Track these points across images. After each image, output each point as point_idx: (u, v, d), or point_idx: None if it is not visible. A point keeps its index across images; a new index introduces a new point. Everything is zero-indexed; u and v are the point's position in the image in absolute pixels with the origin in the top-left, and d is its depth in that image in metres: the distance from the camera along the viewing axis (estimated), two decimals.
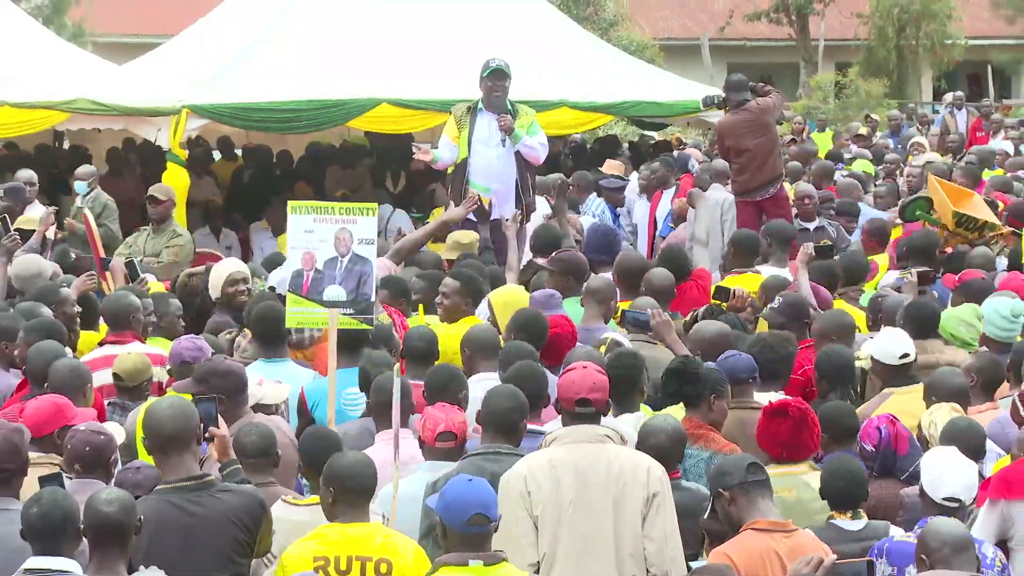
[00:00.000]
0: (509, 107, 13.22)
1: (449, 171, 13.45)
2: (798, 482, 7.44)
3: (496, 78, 13.16)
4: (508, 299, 9.90)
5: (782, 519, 6.75)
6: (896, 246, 12.41)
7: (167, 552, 6.30)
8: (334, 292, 8.03)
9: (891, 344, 8.95)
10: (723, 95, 14.52)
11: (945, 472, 6.93)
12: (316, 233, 8.07)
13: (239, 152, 21.28)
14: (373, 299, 8.08)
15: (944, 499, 6.91)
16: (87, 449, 6.97)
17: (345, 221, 8.06)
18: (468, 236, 12.33)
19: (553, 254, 11.17)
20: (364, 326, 7.68)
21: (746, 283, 11.15)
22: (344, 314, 7.98)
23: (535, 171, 13.52)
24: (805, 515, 7.24)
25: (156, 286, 11.07)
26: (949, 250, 12.56)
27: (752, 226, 13.41)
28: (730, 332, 9.29)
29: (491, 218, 13.01)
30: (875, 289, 11.63)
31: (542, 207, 14.34)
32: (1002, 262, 12.30)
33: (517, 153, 13.10)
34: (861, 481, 7.11)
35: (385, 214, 17.11)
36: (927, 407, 8.24)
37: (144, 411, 7.19)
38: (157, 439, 6.62)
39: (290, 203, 8.39)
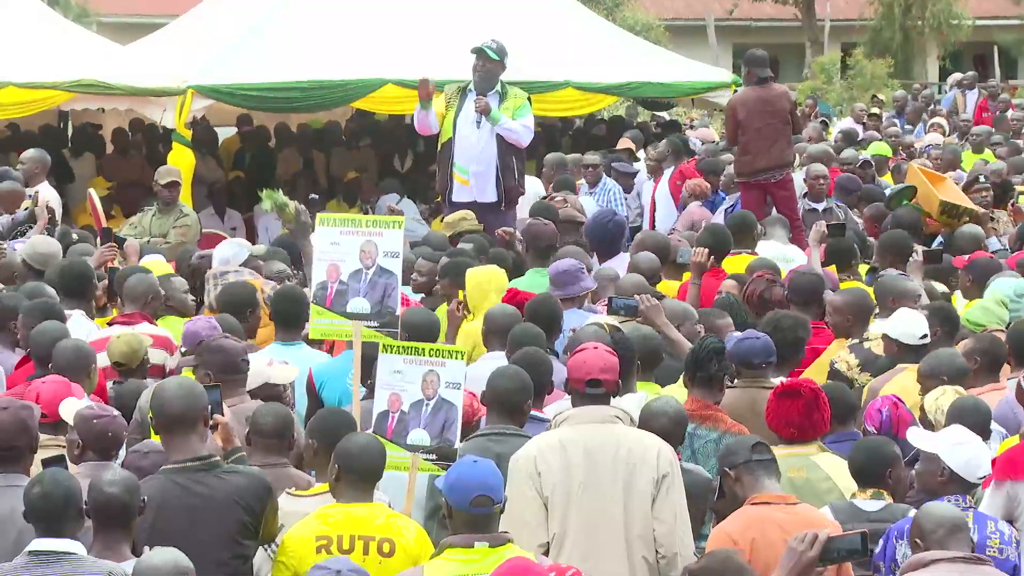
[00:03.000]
0: (499, 89, 13.17)
1: (439, 148, 13.46)
2: (807, 462, 7.41)
3: (478, 58, 13.14)
4: (480, 279, 9.84)
5: (784, 494, 6.76)
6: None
7: (171, 532, 6.28)
8: (358, 304, 8.01)
9: (910, 325, 8.93)
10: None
11: (978, 453, 6.92)
12: (342, 245, 8.05)
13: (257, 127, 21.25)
14: (398, 312, 8.06)
15: (980, 479, 6.92)
16: (109, 435, 6.98)
17: (371, 234, 8.04)
18: (454, 216, 12.39)
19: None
20: (388, 340, 7.65)
21: (743, 264, 11.14)
22: (368, 326, 7.97)
23: (521, 154, 13.44)
24: (814, 495, 7.23)
25: (157, 266, 11.03)
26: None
27: (757, 209, 13.36)
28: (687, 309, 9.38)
29: (470, 200, 12.99)
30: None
31: (535, 188, 14.33)
32: (993, 242, 12.36)
33: (500, 136, 13.06)
34: (880, 460, 7.05)
35: (391, 204, 16.97)
36: (925, 390, 8.23)
37: (152, 391, 7.19)
38: (164, 418, 6.63)
39: (319, 215, 8.42)
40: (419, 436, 7.25)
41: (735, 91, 14.48)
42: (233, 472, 6.61)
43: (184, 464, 6.54)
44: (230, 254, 10.83)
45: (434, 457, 7.25)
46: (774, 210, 13.69)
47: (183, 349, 8.77)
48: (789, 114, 14.29)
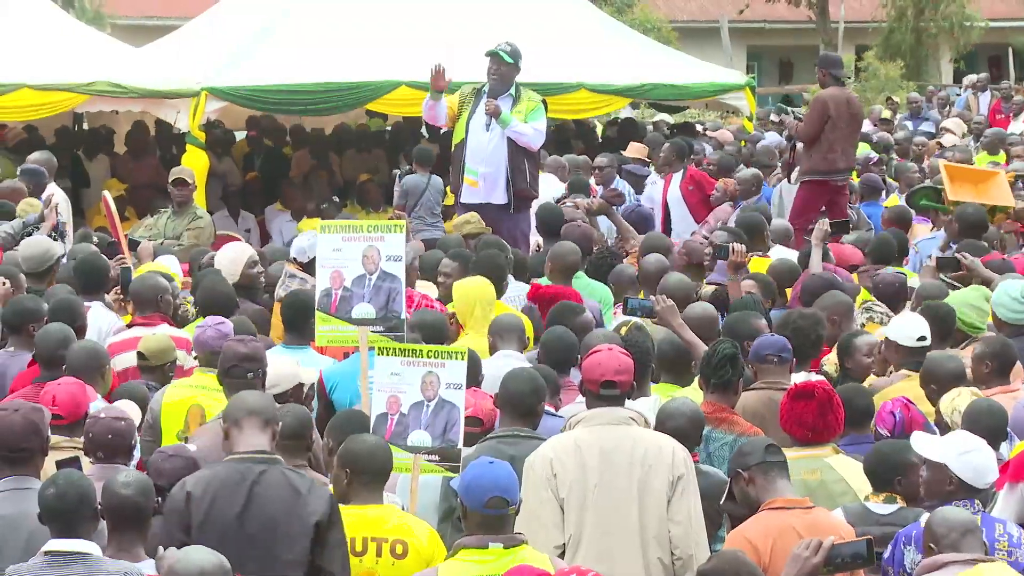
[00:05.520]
0: (512, 92, 13.18)
1: (452, 149, 13.47)
2: (822, 464, 7.40)
3: (492, 61, 13.15)
4: (464, 291, 9.77)
5: (799, 498, 6.76)
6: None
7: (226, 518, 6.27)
8: (363, 310, 8.02)
9: (909, 326, 8.92)
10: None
11: (985, 459, 6.89)
12: (344, 252, 8.06)
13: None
14: (403, 316, 8.07)
15: (988, 484, 6.92)
16: (110, 437, 6.98)
17: (373, 239, 8.06)
18: (460, 219, 12.42)
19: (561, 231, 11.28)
20: (394, 344, 7.65)
21: (754, 267, 11.14)
22: (374, 331, 7.97)
23: (533, 157, 13.44)
24: (828, 498, 7.23)
25: (167, 268, 11.05)
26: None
27: (816, 209, 13.28)
28: (715, 314, 9.38)
29: (480, 202, 13.00)
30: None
31: (548, 190, 14.33)
32: None
33: (510, 139, 13.06)
34: (892, 464, 7.05)
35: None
36: (926, 394, 8.22)
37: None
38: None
39: (320, 222, 8.44)
40: (420, 437, 7.24)
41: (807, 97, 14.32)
42: (292, 471, 6.51)
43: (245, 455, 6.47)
44: (306, 244, 10.86)
45: (436, 458, 7.24)
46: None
47: (195, 354, 8.76)
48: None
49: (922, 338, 8.83)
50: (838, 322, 9.49)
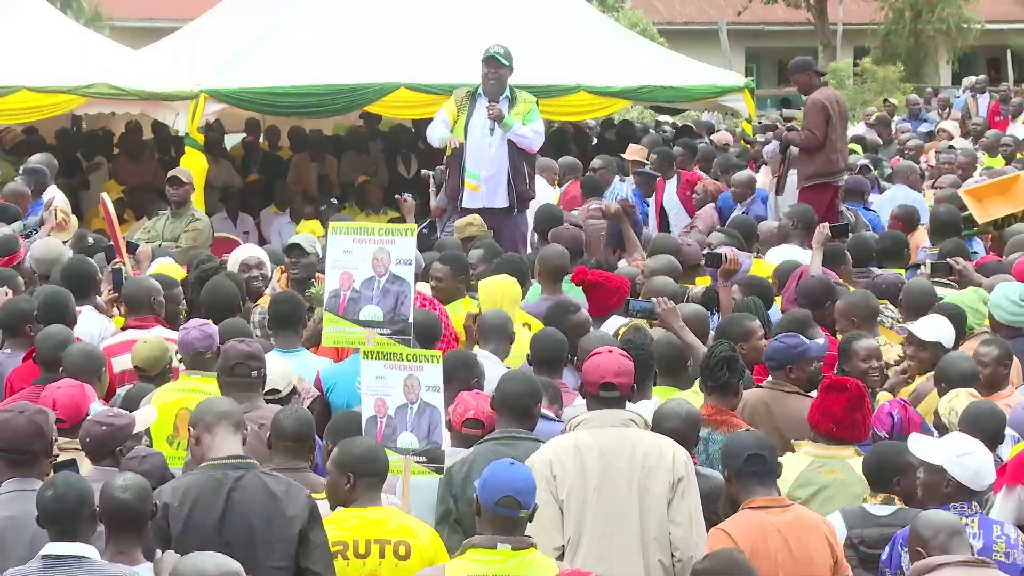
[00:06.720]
0: (508, 94, 13.19)
1: (448, 152, 13.45)
2: (842, 465, 7.44)
3: (490, 65, 13.15)
4: (492, 290, 9.82)
5: (779, 496, 6.86)
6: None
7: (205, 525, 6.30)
8: (371, 312, 8.02)
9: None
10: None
11: (983, 462, 6.91)
12: (354, 254, 8.05)
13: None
14: (410, 319, 8.07)
15: (986, 486, 6.93)
16: (88, 440, 6.99)
17: (383, 241, 8.05)
18: (461, 221, 12.42)
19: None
20: (401, 348, 7.65)
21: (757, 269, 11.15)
22: (381, 334, 7.97)
23: (532, 159, 13.45)
24: (846, 498, 7.28)
25: (171, 269, 11.05)
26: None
27: (820, 210, 13.28)
28: (706, 314, 9.40)
29: (483, 206, 12.99)
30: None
31: (544, 192, 14.34)
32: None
33: (511, 141, 13.07)
34: (891, 465, 7.09)
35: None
36: (938, 394, 8.23)
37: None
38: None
39: (331, 224, 8.41)
40: (408, 439, 7.26)
41: (803, 94, 14.20)
42: (268, 474, 6.55)
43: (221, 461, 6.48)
44: None
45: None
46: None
47: (179, 356, 8.75)
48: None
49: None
50: (858, 323, 9.50)
